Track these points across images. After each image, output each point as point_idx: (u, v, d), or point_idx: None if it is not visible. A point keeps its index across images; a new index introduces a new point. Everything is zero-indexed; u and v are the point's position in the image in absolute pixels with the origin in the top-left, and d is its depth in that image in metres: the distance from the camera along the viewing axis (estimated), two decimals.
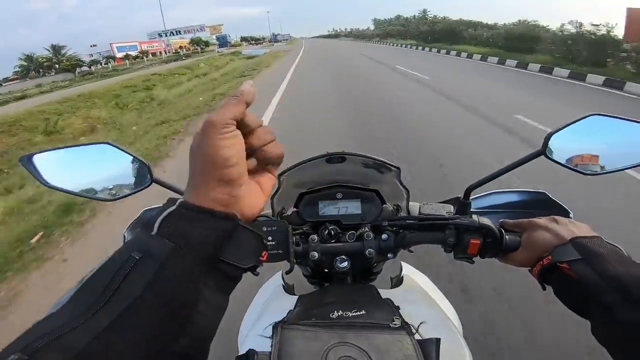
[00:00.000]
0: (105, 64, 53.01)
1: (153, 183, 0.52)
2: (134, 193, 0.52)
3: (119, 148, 0.49)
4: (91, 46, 71.85)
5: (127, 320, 0.24)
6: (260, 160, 0.35)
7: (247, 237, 0.31)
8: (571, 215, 0.63)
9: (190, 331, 0.27)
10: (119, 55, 59.96)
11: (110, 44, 65.06)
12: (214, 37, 78.23)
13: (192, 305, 0.27)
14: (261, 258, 0.34)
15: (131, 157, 0.51)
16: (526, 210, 0.69)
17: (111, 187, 0.52)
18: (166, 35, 71.84)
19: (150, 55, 60.31)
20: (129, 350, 0.24)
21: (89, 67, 49.64)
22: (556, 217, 0.52)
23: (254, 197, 0.33)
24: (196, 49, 61.26)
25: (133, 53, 61.62)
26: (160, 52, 66.48)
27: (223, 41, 79.26)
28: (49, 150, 0.51)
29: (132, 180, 0.52)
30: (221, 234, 0.29)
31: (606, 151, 0.50)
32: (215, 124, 0.30)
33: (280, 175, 0.67)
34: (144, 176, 0.51)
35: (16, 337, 0.24)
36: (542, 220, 0.52)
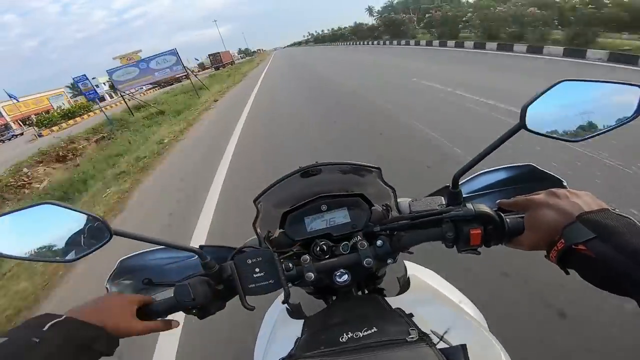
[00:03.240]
0: None
1: (114, 236, 0.47)
2: (94, 250, 0.48)
3: (63, 206, 0.45)
4: None
5: None
6: None
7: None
8: (565, 183, 0.61)
9: None
10: None
11: None
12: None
13: None
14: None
15: (81, 214, 0.46)
16: (517, 186, 0.66)
17: (68, 247, 0.48)
18: None
19: None
20: None
21: None
22: (554, 190, 0.49)
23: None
24: None
25: None
26: None
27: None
28: None
29: (89, 236, 0.47)
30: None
31: (584, 115, 0.48)
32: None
33: (255, 200, 0.63)
34: (100, 230, 0.47)
35: None
36: (541, 197, 0.49)
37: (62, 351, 0.40)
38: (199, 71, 60.39)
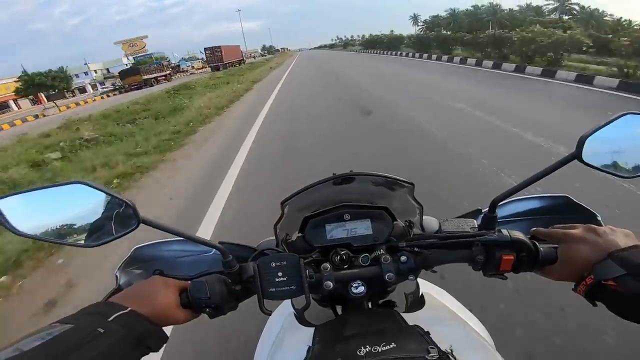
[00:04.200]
0: None
1: (141, 224, 0.46)
2: (119, 237, 0.46)
3: (95, 187, 0.43)
4: None
5: None
6: None
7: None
8: (599, 218, 0.60)
9: None
10: None
11: None
12: (126, 60, 37.31)
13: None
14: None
15: (111, 197, 0.45)
16: (550, 216, 0.65)
17: (92, 230, 0.46)
18: None
19: None
20: None
21: None
22: (594, 226, 0.50)
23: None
24: None
25: None
26: None
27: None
28: (16, 193, 0.44)
29: (116, 222, 0.46)
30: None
31: None
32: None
33: (283, 203, 0.62)
34: (128, 217, 0.45)
35: None
36: (578, 231, 0.50)
37: (121, 344, 0.40)
38: (201, 68, 46.17)
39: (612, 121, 0.44)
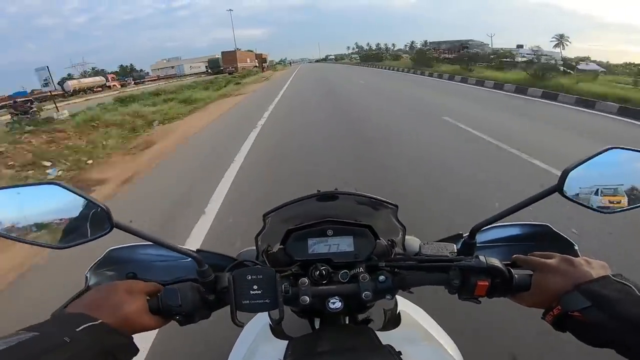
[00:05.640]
0: None
1: (114, 229, 0.45)
2: (91, 240, 0.45)
3: (69, 189, 0.42)
4: None
5: None
6: None
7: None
8: (576, 248, 0.60)
9: None
10: None
11: None
12: None
13: None
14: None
15: (85, 200, 0.44)
16: (529, 243, 0.65)
17: (64, 233, 0.45)
18: None
19: None
20: None
21: None
22: (570, 257, 0.50)
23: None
24: None
25: None
26: None
27: None
28: None
29: (89, 225, 0.45)
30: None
31: (626, 186, 0.46)
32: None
33: (265, 215, 0.62)
34: (101, 221, 0.44)
35: None
36: (553, 261, 0.50)
37: (86, 355, 0.40)
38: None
39: (596, 155, 0.44)
